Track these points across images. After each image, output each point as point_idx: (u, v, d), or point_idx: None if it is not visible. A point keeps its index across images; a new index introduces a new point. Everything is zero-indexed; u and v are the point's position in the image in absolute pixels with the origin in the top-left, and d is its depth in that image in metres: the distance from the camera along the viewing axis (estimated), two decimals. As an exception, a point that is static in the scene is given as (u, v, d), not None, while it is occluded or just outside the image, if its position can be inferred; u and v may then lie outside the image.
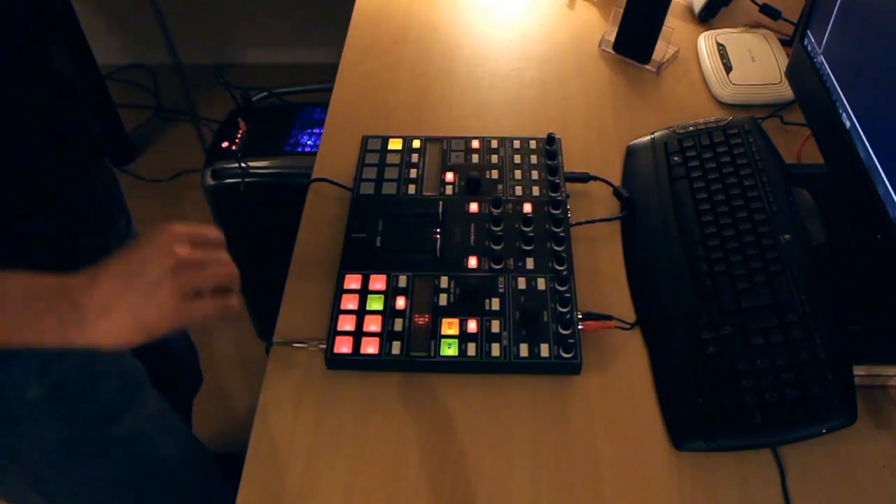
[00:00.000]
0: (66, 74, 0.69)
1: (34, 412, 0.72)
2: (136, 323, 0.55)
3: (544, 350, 0.69)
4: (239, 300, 0.60)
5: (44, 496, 0.79)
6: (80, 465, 0.80)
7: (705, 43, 1.02)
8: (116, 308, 0.54)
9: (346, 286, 0.74)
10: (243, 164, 1.30)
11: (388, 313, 0.72)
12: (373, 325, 0.71)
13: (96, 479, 0.82)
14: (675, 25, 1.03)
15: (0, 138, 0.61)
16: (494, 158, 0.86)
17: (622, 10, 1.00)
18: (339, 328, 0.71)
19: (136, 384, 0.83)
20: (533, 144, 0.87)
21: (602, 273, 0.78)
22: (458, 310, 0.72)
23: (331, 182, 0.86)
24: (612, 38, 1.03)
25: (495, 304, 0.72)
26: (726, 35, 1.03)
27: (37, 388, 0.70)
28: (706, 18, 1.09)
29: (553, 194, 0.81)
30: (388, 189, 0.83)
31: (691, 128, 0.87)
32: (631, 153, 0.89)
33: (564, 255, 0.75)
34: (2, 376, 0.68)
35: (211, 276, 0.58)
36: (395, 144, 0.88)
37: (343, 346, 0.70)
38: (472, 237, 0.78)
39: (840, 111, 0.73)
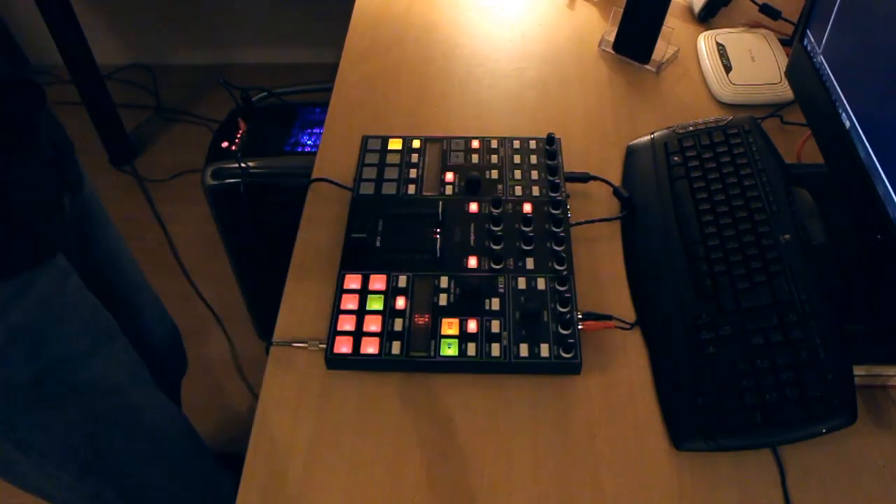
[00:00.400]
0: None
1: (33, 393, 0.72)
2: None
3: (544, 350, 0.69)
4: None
5: (17, 444, 0.79)
6: (50, 410, 0.80)
7: (705, 43, 1.02)
8: None
9: (346, 286, 0.74)
10: (243, 164, 1.30)
11: (388, 313, 0.72)
12: (373, 325, 0.71)
13: (70, 426, 0.82)
14: (674, 25, 1.03)
15: None
16: (494, 158, 0.86)
17: (622, 10, 1.00)
18: (339, 328, 0.71)
19: (105, 333, 0.84)
20: (533, 144, 0.87)
21: (602, 273, 0.78)
22: (458, 310, 0.72)
23: (331, 182, 0.86)
24: (612, 38, 1.03)
25: (495, 304, 0.72)
26: (726, 35, 1.03)
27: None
28: (706, 18, 1.09)
29: (553, 194, 0.81)
30: (388, 189, 0.83)
31: (691, 128, 0.87)
32: (631, 153, 0.89)
33: (564, 255, 0.75)
34: None
35: None
36: (395, 144, 0.88)
37: (343, 346, 0.70)
38: (472, 237, 0.78)
39: (840, 111, 0.73)
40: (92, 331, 0.81)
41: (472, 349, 0.69)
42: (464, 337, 0.70)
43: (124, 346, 0.87)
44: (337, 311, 0.72)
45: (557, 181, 0.82)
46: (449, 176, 0.84)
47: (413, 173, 0.84)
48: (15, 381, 0.75)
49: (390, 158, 0.86)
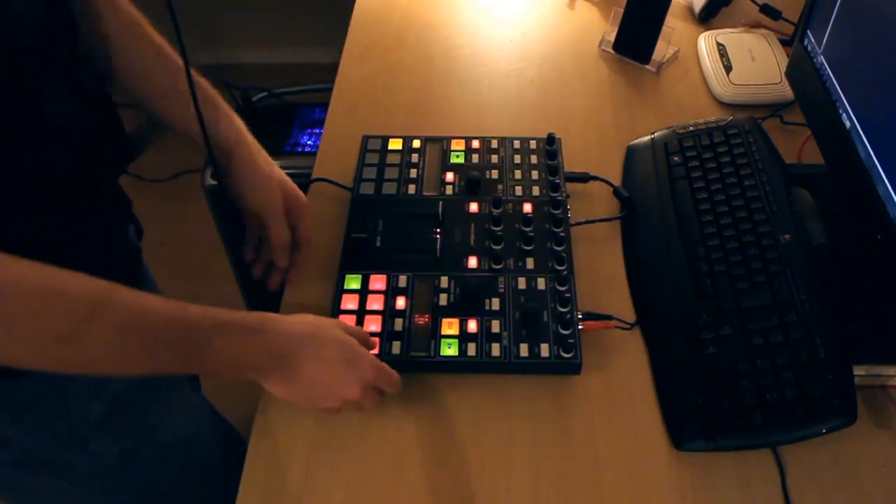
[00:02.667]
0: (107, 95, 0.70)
1: (96, 429, 0.72)
2: (294, 397, 0.63)
3: (544, 350, 0.69)
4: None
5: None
6: (142, 472, 0.80)
7: (705, 43, 1.02)
8: (297, 385, 0.62)
9: (346, 286, 0.74)
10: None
11: (388, 313, 0.72)
12: (373, 325, 0.71)
13: (154, 482, 0.83)
14: (675, 25, 1.03)
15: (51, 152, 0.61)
16: (494, 158, 0.86)
17: (622, 10, 1.00)
18: (339, 328, 0.71)
19: (178, 384, 0.83)
20: (533, 144, 0.87)
21: (602, 273, 0.78)
22: (458, 310, 0.72)
23: (331, 182, 0.86)
24: (612, 38, 1.03)
25: (495, 304, 0.72)
26: (726, 35, 1.03)
27: (97, 404, 0.70)
28: (706, 18, 1.09)
29: (553, 194, 0.81)
30: (388, 189, 0.83)
31: (691, 128, 0.87)
32: (631, 153, 0.89)
33: (564, 255, 0.75)
34: (60, 398, 0.67)
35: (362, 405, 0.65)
36: (395, 144, 0.88)
37: (343, 346, 0.70)
38: (472, 237, 0.78)
39: (840, 111, 0.73)
40: (170, 385, 0.81)
41: (472, 349, 0.69)
42: (464, 337, 0.70)
43: (188, 387, 0.87)
44: (337, 311, 0.72)
45: (557, 181, 0.82)
46: (449, 176, 0.84)
47: (413, 173, 0.84)
48: (109, 451, 0.75)
49: (390, 158, 0.86)
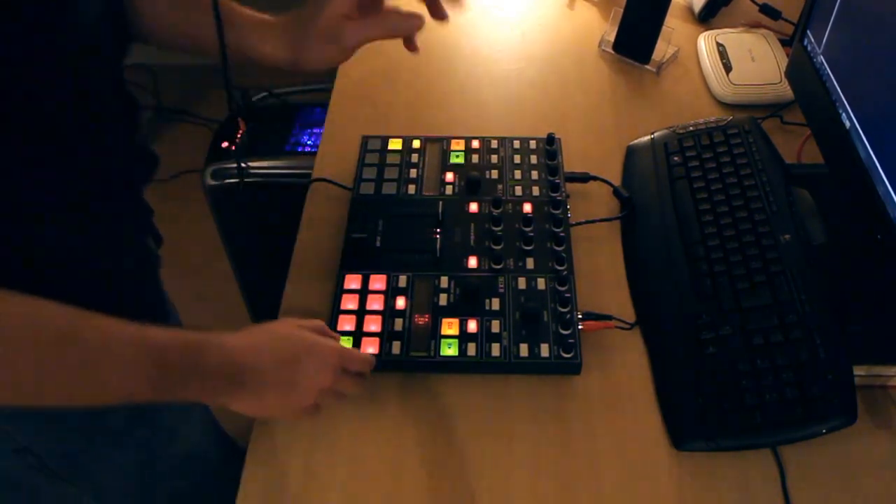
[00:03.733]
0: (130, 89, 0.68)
1: (117, 440, 0.72)
2: (269, 410, 0.62)
3: (544, 350, 0.69)
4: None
5: None
6: (157, 482, 0.80)
7: (705, 43, 1.02)
8: (266, 396, 0.60)
9: (346, 286, 0.74)
10: (243, 164, 1.30)
11: (388, 313, 0.72)
12: (373, 325, 0.71)
13: (164, 492, 0.83)
14: (675, 25, 1.03)
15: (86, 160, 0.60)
16: (494, 158, 0.86)
17: (622, 10, 1.00)
18: (340, 328, 0.71)
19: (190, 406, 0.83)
20: (533, 144, 0.87)
21: (602, 273, 0.78)
22: (458, 310, 0.72)
23: (331, 182, 0.86)
24: (612, 38, 1.03)
25: (495, 304, 0.72)
26: (726, 35, 1.03)
27: (119, 415, 0.70)
28: (706, 18, 1.09)
29: (553, 194, 0.81)
30: (388, 189, 0.83)
31: (691, 128, 0.87)
32: (631, 153, 0.89)
33: (564, 255, 0.75)
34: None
35: (340, 395, 0.64)
36: (395, 144, 0.88)
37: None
38: (472, 237, 0.78)
39: (840, 111, 0.73)
40: (179, 404, 0.80)
41: (472, 349, 0.69)
42: (464, 337, 0.70)
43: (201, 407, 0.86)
44: (337, 311, 0.72)
45: (557, 181, 0.82)
46: (449, 176, 0.84)
47: (413, 173, 0.84)
48: (128, 461, 0.75)
49: (390, 158, 0.86)
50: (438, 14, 0.70)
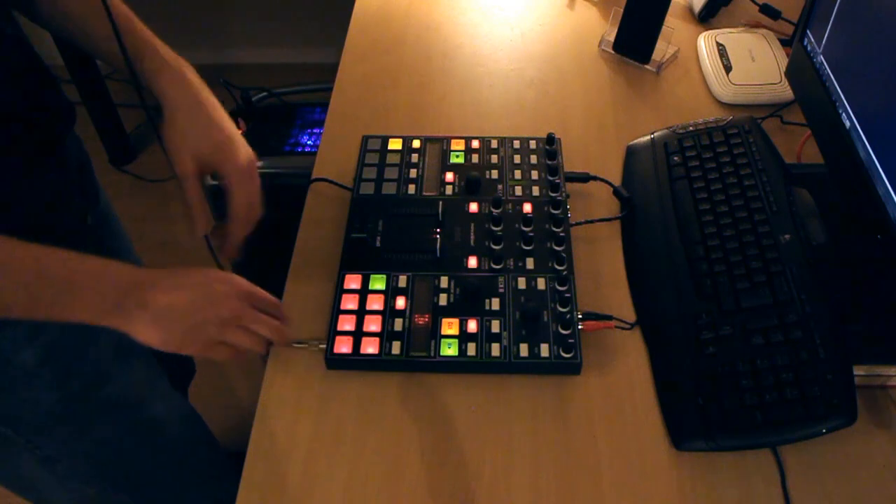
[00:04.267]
0: (26, 40, 0.68)
1: (28, 375, 0.72)
2: (175, 340, 0.61)
3: (544, 350, 0.69)
4: (265, 350, 0.68)
5: (43, 462, 0.79)
6: (77, 429, 0.79)
7: (705, 43, 1.02)
8: (170, 322, 0.61)
9: (346, 286, 0.74)
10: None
11: (388, 313, 0.72)
12: (373, 325, 0.71)
13: (96, 444, 0.82)
14: (675, 25, 1.03)
15: None
16: (494, 158, 0.86)
17: (622, 10, 1.00)
18: (339, 328, 0.71)
19: (125, 346, 0.83)
20: (533, 144, 0.87)
21: (602, 273, 0.78)
22: (458, 310, 0.72)
23: (331, 182, 0.86)
24: (612, 38, 1.03)
25: (495, 304, 0.72)
26: (726, 35, 1.03)
27: (29, 351, 0.70)
28: (706, 18, 1.09)
29: (553, 194, 0.81)
30: (388, 189, 0.83)
31: (691, 128, 0.87)
32: (631, 153, 0.89)
33: (564, 255, 0.75)
34: None
35: (253, 335, 0.65)
36: (395, 144, 0.88)
37: (343, 346, 0.70)
38: (472, 237, 0.78)
39: (840, 111, 0.73)
40: (114, 345, 0.81)
41: (472, 349, 0.69)
42: (464, 337, 0.70)
43: (145, 357, 0.87)
44: (337, 311, 0.72)
45: (557, 181, 0.82)
46: (449, 176, 0.84)
47: (413, 173, 0.84)
48: (43, 401, 0.75)
49: (390, 158, 0.86)
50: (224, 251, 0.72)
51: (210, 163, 0.69)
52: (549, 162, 0.85)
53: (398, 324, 0.71)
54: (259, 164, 0.71)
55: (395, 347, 0.69)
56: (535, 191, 0.82)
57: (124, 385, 0.82)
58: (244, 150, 0.70)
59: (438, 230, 0.78)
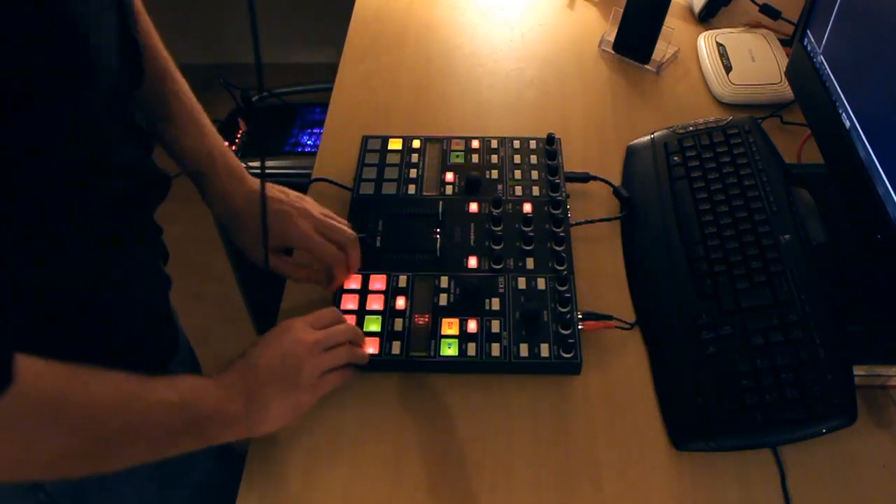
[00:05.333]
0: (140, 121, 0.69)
1: (132, 477, 0.72)
2: (292, 409, 0.63)
3: (544, 350, 0.69)
4: (365, 352, 0.69)
5: None
6: None
7: (705, 43, 1.02)
8: (275, 401, 0.62)
9: (346, 286, 0.74)
10: (243, 165, 1.30)
11: (388, 313, 0.72)
12: (373, 325, 0.71)
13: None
14: (675, 25, 1.03)
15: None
16: (494, 158, 0.86)
17: (622, 10, 1.00)
18: (339, 328, 0.71)
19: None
20: (533, 144, 0.87)
21: (602, 273, 0.78)
22: (458, 310, 0.72)
23: (331, 182, 0.86)
24: (612, 38, 1.03)
25: (495, 304, 0.72)
26: (726, 35, 1.03)
27: None
28: (706, 18, 1.09)
29: (553, 194, 0.81)
30: (388, 189, 0.83)
31: (691, 128, 0.87)
32: (631, 153, 0.89)
33: (564, 255, 0.75)
34: None
35: (340, 345, 0.66)
36: (395, 144, 0.88)
37: (343, 346, 0.70)
38: (472, 237, 0.78)
39: (840, 111, 0.73)
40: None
41: (472, 349, 0.69)
42: (464, 337, 0.70)
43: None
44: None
45: (557, 181, 0.82)
46: (449, 176, 0.84)
47: (413, 173, 0.84)
48: (143, 495, 0.75)
49: (390, 158, 0.86)
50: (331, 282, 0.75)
51: (279, 244, 0.73)
52: (549, 162, 0.85)
53: (398, 324, 0.71)
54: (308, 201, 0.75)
55: (395, 347, 0.69)
56: (535, 191, 0.82)
57: (204, 467, 0.83)
58: (298, 220, 0.73)
59: (438, 230, 0.78)
